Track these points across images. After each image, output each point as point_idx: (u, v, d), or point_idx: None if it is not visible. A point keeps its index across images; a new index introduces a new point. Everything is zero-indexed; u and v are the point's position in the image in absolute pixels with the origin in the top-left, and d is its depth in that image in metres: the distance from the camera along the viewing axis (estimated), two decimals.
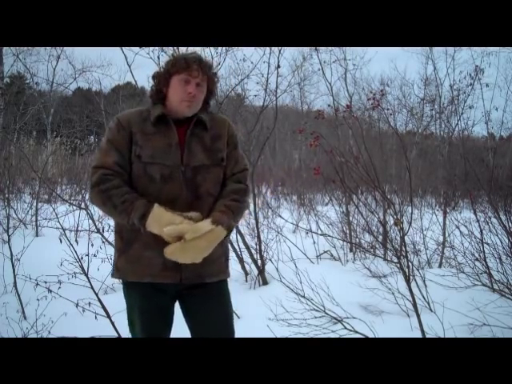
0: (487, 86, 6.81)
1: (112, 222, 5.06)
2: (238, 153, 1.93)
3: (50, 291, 3.32)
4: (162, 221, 1.72)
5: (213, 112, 1.98)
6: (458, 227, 4.63)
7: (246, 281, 4.80)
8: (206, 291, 1.83)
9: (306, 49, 16.04)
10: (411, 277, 3.37)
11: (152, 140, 1.80)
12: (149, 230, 1.73)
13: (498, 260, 3.82)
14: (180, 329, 1.96)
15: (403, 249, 3.51)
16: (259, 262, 4.73)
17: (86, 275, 3.09)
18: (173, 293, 1.86)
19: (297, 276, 3.38)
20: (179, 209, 1.76)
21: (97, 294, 3.00)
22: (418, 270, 3.84)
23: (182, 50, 4.65)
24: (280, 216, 5.59)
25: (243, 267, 4.82)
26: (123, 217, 1.75)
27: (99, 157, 1.82)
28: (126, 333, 2.34)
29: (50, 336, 2.87)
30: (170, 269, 1.76)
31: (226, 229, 1.79)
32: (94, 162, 1.84)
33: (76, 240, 5.36)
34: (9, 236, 4.03)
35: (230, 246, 2.38)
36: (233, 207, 1.83)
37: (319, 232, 6.22)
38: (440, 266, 5.13)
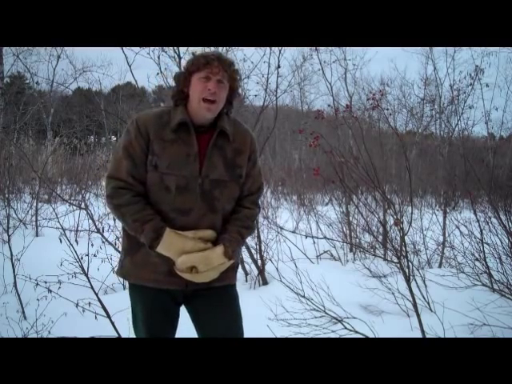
0: (487, 85, 6.80)
1: (112, 222, 5.07)
2: (256, 170, 1.90)
3: (49, 291, 3.33)
4: (172, 248, 1.72)
5: (235, 119, 1.91)
6: (458, 227, 4.63)
7: (246, 281, 4.80)
8: (212, 292, 1.82)
9: (306, 49, 16.02)
10: (411, 277, 3.37)
11: (170, 148, 1.75)
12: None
13: (497, 260, 3.83)
14: (183, 329, 1.96)
15: (403, 249, 3.51)
16: (259, 261, 4.73)
17: (86, 275, 3.09)
18: (178, 295, 1.85)
19: (297, 276, 3.38)
20: (192, 220, 1.75)
21: (97, 294, 3.00)
22: (418, 270, 3.84)
23: (182, 50, 4.67)
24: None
25: (243, 267, 4.81)
26: (134, 234, 1.75)
27: (113, 165, 1.78)
28: (126, 333, 2.34)
29: (50, 336, 2.87)
30: (176, 275, 1.75)
31: (235, 258, 1.82)
32: (109, 169, 1.81)
33: (76, 240, 5.35)
34: (9, 236, 4.02)
35: None
36: (245, 234, 1.85)
37: (319, 233, 6.23)
38: (440, 266, 5.13)
